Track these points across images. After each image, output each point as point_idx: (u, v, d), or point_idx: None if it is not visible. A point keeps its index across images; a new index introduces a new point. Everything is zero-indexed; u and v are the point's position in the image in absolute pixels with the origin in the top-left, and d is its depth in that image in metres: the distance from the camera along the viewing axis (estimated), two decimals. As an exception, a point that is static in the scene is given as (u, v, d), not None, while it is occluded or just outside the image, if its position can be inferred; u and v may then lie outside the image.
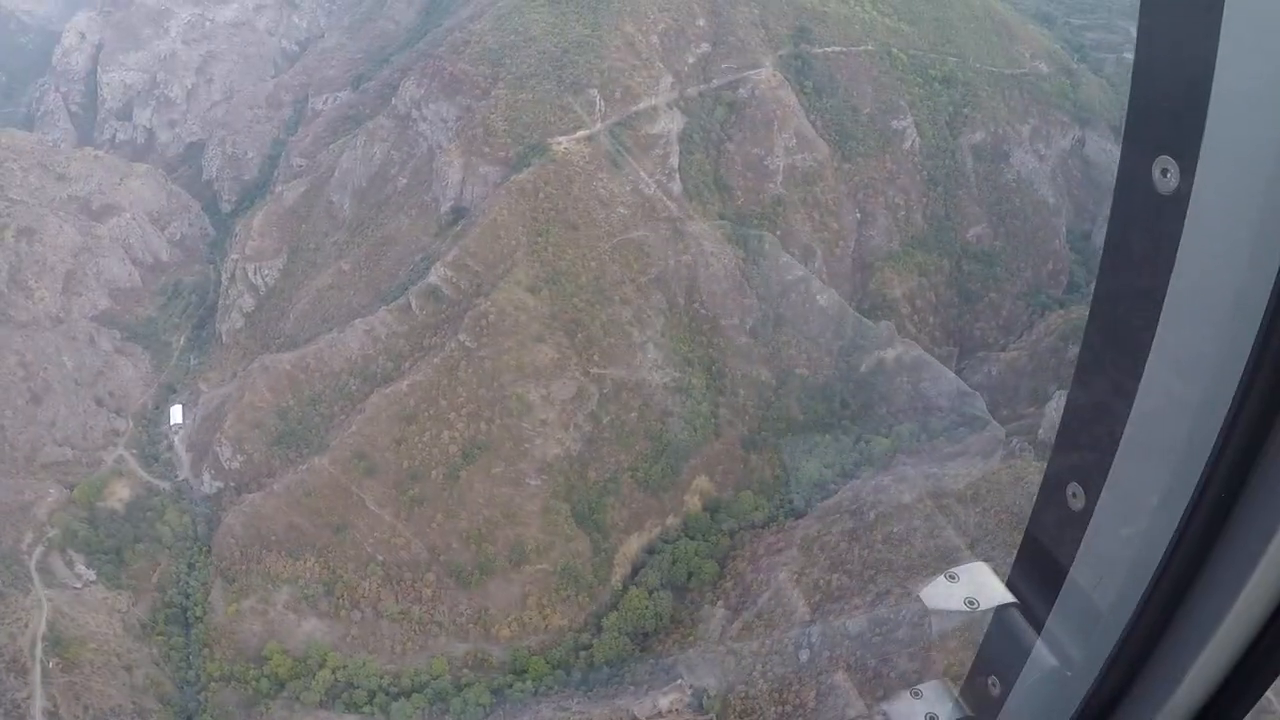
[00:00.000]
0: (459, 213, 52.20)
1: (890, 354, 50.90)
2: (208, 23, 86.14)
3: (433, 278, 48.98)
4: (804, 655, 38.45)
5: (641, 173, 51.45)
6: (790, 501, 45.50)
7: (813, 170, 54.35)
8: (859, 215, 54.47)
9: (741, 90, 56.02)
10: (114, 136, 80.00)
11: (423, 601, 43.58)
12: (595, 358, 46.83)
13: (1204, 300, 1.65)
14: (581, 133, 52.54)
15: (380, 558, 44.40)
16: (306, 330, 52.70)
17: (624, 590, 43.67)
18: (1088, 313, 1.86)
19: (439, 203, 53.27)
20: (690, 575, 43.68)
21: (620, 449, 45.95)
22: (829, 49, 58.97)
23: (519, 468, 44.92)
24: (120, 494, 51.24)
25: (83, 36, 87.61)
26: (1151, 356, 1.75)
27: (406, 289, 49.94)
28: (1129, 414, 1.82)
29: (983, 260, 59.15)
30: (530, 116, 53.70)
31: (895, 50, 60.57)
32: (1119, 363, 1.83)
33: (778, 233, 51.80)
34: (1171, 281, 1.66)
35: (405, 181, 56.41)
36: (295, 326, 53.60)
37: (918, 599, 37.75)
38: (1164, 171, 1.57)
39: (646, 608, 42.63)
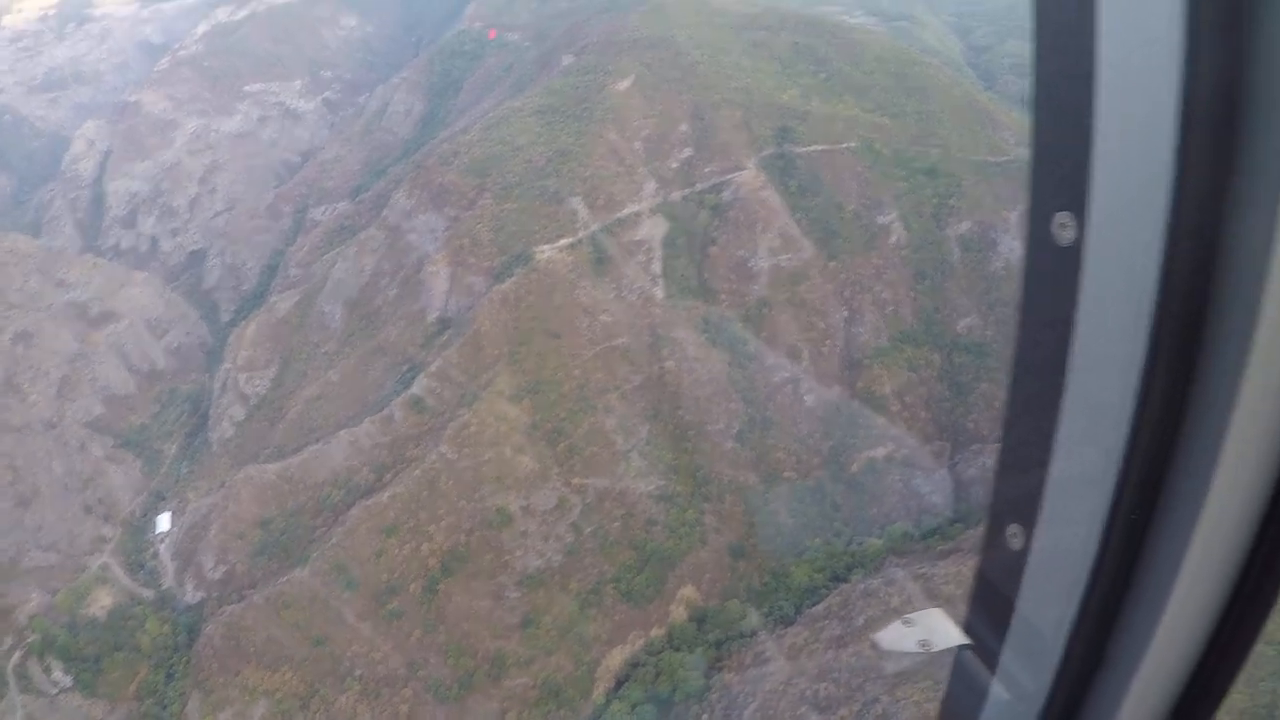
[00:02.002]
0: (445, 323, 52.75)
1: (880, 452, 50.44)
2: (212, 133, 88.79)
3: (416, 388, 49.26)
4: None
5: (625, 279, 52.01)
6: (779, 609, 44.66)
7: (798, 270, 54.62)
8: (846, 313, 54.57)
9: (725, 193, 56.84)
10: (118, 244, 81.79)
11: (399, 718, 42.71)
12: (577, 467, 46.61)
13: (1103, 343, 1.77)
14: (565, 241, 53.30)
15: (358, 672, 43.64)
16: (294, 440, 52.81)
17: (606, 704, 42.56)
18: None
19: (426, 313, 53.88)
20: (675, 689, 42.60)
21: (603, 559, 45.41)
22: (812, 148, 59.85)
23: (499, 580, 44.39)
24: (103, 601, 50.96)
25: (91, 144, 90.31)
26: (1066, 398, 1.86)
27: (391, 400, 50.22)
28: (1051, 452, 1.93)
29: (974, 351, 58.85)
30: (515, 226, 54.61)
31: (878, 145, 61.25)
32: (1039, 407, 1.92)
33: (763, 334, 51.79)
34: (1075, 328, 1.79)
35: (395, 292, 57.18)
36: (283, 436, 53.75)
37: (904, 706, 36.94)
38: (1062, 226, 1.72)
39: (629, 724, 41.53)
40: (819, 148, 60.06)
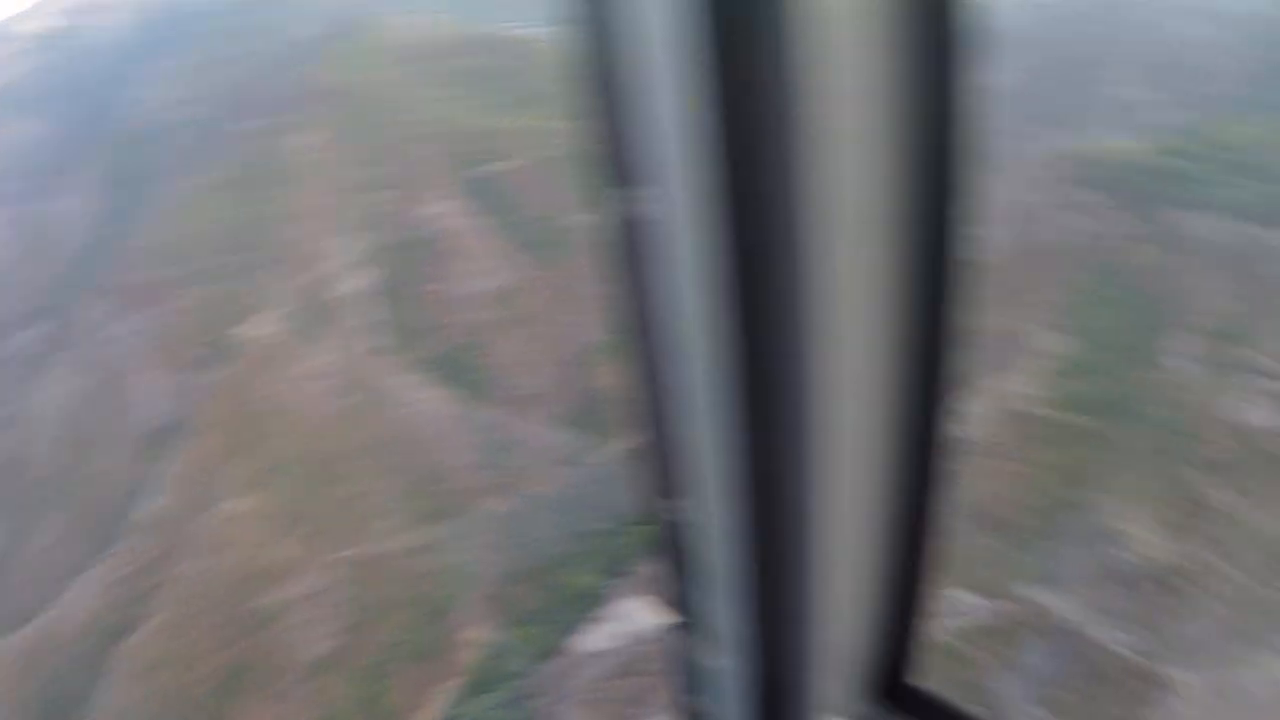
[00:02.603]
0: (164, 431, 49.66)
1: (617, 445, 51.52)
2: None
3: (147, 508, 46.24)
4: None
5: (343, 339, 50.73)
6: (564, 622, 44.98)
7: (514, 289, 54.81)
8: (565, 319, 55.46)
9: (430, 228, 56.37)
10: None
11: None
12: (333, 542, 45.11)
13: (693, 313, 1.76)
14: (274, 314, 51.27)
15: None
16: (28, 605, 48.35)
17: (424, 772, 41.70)
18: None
19: (142, 425, 50.57)
20: (488, 732, 42.25)
21: (383, 627, 44.19)
22: (509, 165, 60.30)
23: (283, 682, 42.42)
24: None
25: None
26: (677, 370, 1.88)
27: (122, 528, 46.83)
28: (675, 425, 1.94)
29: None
30: (220, 310, 51.98)
31: (568, 150, 62.40)
32: (655, 382, 1.93)
33: (490, 359, 51.95)
34: (664, 300, 1.81)
35: (104, 413, 53.36)
36: (13, 604, 49.14)
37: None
38: (633, 201, 1.72)
39: (448, 783, 40.75)
40: (515, 164, 60.28)
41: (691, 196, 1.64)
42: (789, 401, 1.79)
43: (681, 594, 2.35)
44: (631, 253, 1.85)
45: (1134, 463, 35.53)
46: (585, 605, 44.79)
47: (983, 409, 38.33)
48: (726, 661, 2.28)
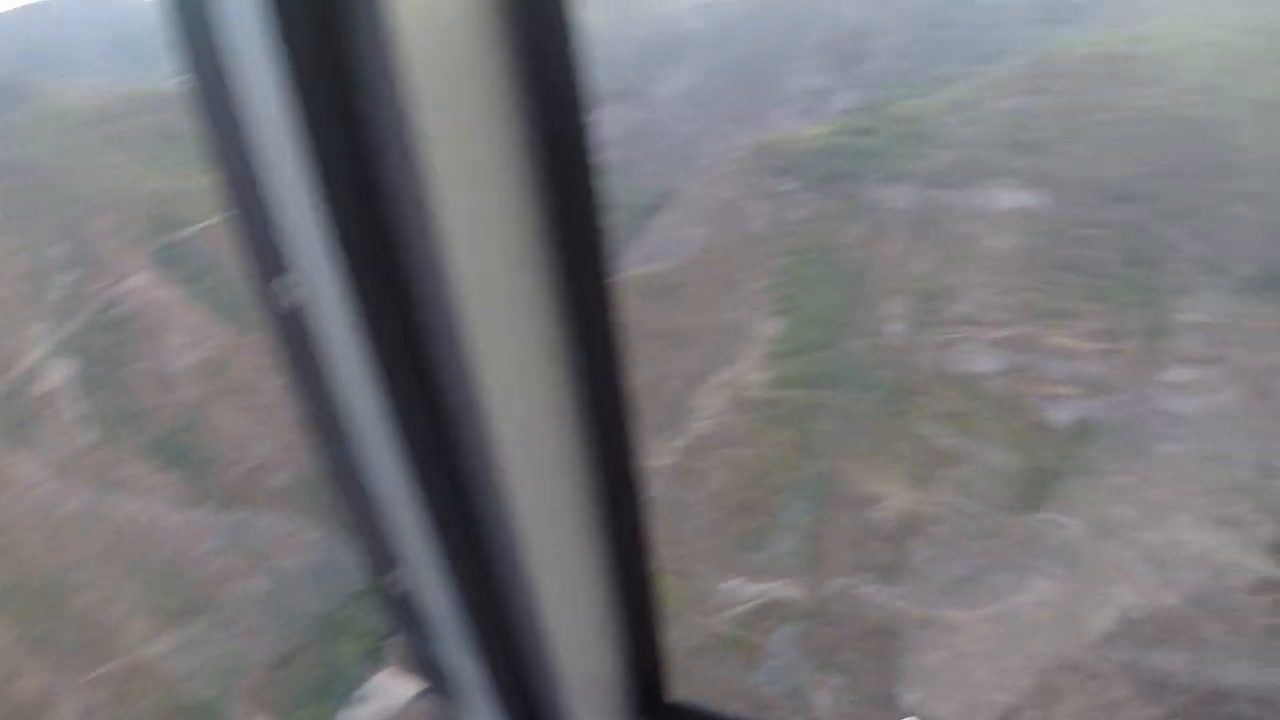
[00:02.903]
0: None
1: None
2: None
3: None
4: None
5: (46, 440, 48.16)
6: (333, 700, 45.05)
7: (219, 358, 53.37)
8: (279, 381, 54.37)
9: (121, 306, 53.79)
10: None
11: None
12: (84, 661, 42.85)
13: (358, 389, 1.77)
14: (-36, 427, 48.05)
15: None
16: None
17: None
18: None
19: None
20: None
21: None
22: (194, 228, 58.16)
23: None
24: None
25: None
26: (354, 436, 1.90)
27: None
28: (373, 493, 1.94)
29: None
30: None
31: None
32: (340, 453, 1.94)
33: (207, 436, 50.94)
34: (330, 383, 1.83)
35: None
36: None
37: None
38: (285, 288, 1.71)
39: None
40: (201, 225, 57.71)
41: (329, 280, 1.62)
42: (468, 456, 1.78)
43: (425, 658, 2.35)
44: (292, 340, 1.84)
45: (870, 427, 37.03)
46: (347, 682, 44.27)
47: (716, 401, 40.20)
48: (483, 715, 2.29)
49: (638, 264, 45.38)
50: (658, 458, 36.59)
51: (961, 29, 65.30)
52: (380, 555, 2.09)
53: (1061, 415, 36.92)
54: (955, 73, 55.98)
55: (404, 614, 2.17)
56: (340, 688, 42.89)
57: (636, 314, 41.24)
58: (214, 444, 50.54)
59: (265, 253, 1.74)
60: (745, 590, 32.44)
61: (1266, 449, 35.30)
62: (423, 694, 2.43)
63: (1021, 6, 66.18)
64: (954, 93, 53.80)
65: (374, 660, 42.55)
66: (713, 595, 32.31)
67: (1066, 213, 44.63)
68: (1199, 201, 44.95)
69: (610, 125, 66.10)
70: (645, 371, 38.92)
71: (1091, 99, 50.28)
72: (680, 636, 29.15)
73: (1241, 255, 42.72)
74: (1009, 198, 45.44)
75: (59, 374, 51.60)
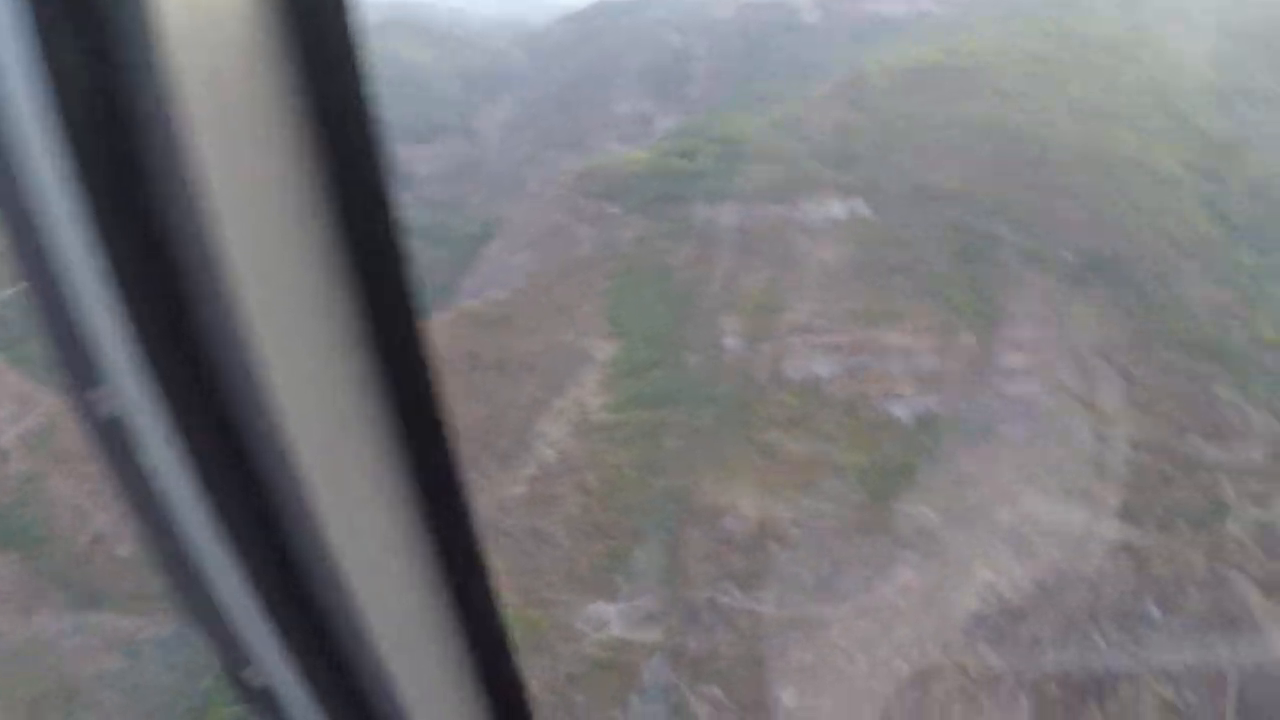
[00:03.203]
0: None
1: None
2: None
3: None
4: None
5: None
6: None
7: (46, 426, 49.03)
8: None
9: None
10: None
11: None
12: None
13: (184, 499, 1.69)
14: None
15: None
16: None
17: None
18: None
19: None
20: None
21: None
22: (14, 288, 53.29)
23: None
24: None
25: None
26: (185, 536, 1.80)
27: None
28: (210, 590, 1.84)
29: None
30: None
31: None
32: (176, 559, 1.84)
33: (42, 511, 45.73)
34: (159, 499, 1.71)
35: None
36: None
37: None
38: (99, 400, 1.60)
39: None
40: (11, 290, 53.14)
41: (133, 389, 1.56)
42: (298, 541, 1.73)
43: None
44: (109, 449, 1.73)
45: (715, 440, 36.89)
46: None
47: (559, 427, 39.15)
48: None
49: (470, 294, 44.38)
50: (507, 488, 35.23)
51: (780, 50, 67.85)
52: (230, 649, 2.02)
53: (903, 411, 37.60)
54: (775, 92, 57.78)
55: (264, 706, 2.12)
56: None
57: (472, 345, 40.37)
58: (50, 519, 45.67)
59: (75, 364, 1.65)
60: (609, 612, 31.62)
61: (1100, 422, 36.84)
62: None
63: (837, 27, 69.20)
64: (775, 112, 55.32)
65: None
66: (578, 621, 31.25)
67: (891, 218, 46.17)
68: (1018, 198, 47.24)
69: (436, 160, 65.53)
70: (486, 402, 37.93)
71: (909, 110, 52.58)
72: (549, 666, 28.16)
73: (1061, 245, 44.96)
74: (834, 208, 46.77)
75: None
